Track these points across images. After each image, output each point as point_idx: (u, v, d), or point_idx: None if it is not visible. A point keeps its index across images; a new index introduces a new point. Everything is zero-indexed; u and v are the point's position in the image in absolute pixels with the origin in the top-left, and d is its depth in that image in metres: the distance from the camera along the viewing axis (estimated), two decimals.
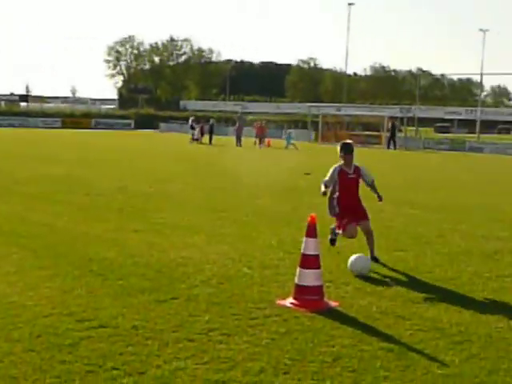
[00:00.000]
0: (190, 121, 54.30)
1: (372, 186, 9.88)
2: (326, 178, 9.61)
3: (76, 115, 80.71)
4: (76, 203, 14.69)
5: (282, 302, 7.31)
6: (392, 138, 54.70)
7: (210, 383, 5.08)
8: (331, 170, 9.64)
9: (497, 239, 12.02)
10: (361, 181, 9.76)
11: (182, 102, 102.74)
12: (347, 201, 9.59)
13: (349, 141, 9.98)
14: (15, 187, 17.30)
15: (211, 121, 54.52)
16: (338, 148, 9.65)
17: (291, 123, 75.08)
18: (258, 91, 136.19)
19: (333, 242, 10.06)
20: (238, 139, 49.19)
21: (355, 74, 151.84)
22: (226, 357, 5.61)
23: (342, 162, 9.59)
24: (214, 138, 51.38)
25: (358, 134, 62.10)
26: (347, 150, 9.58)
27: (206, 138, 50.72)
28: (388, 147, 53.53)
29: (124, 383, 5.02)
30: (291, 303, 7.26)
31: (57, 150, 34.84)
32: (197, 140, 50.39)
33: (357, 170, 9.64)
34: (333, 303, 7.36)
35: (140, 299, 7.23)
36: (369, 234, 9.62)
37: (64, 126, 73.18)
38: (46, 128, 68.92)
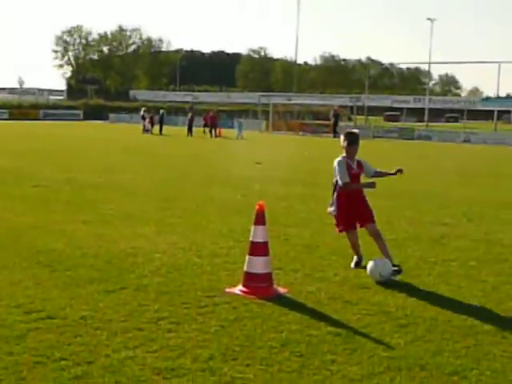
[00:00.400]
0: (141, 111, 53.93)
1: (377, 175, 8.90)
2: (340, 176, 8.43)
3: (24, 106, 79.51)
4: (23, 195, 14.49)
5: (232, 290, 7.35)
6: (334, 126, 55.41)
7: (159, 371, 5.09)
8: (339, 165, 8.48)
9: (443, 225, 12.26)
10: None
11: (131, 92, 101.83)
12: (349, 198, 8.56)
13: (355, 130, 8.97)
14: None
15: (161, 111, 54.25)
16: (341, 138, 8.60)
17: (242, 113, 75.16)
18: (208, 81, 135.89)
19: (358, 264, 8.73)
20: (189, 129, 49.06)
21: (305, 63, 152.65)
22: (175, 345, 5.63)
23: (345, 153, 8.53)
24: (165, 128, 51.17)
25: (308, 123, 62.60)
26: (351, 141, 8.50)
27: (156, 129, 50.47)
28: (334, 136, 54.13)
29: (72, 373, 5.00)
30: (240, 291, 7.31)
31: (4, 141, 34.25)
32: (148, 131, 50.13)
33: (359, 164, 8.65)
34: (282, 290, 7.42)
35: (88, 290, 7.19)
36: (377, 237, 8.49)
37: (11, 117, 71.99)
38: None
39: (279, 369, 5.21)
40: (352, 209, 8.57)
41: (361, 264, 8.62)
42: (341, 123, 58.11)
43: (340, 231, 8.79)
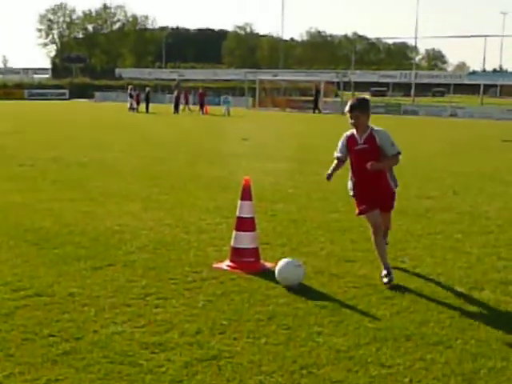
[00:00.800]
0: (128, 89, 53.58)
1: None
2: (336, 153, 7.16)
3: (8, 86, 78.80)
4: (10, 174, 14.43)
5: (219, 265, 7.38)
6: (315, 102, 55.88)
7: (146, 346, 5.12)
8: (340, 140, 7.15)
9: (428, 198, 12.33)
10: None
11: (117, 71, 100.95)
12: (359, 180, 7.06)
13: (365, 96, 7.44)
14: None
15: (147, 89, 53.96)
16: None
17: (229, 90, 74.85)
18: (194, 58, 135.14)
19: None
20: (176, 107, 48.94)
21: (292, 39, 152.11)
22: (162, 320, 5.66)
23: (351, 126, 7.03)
24: (151, 106, 50.95)
25: (295, 100, 62.52)
26: (350, 107, 6.88)
27: (142, 107, 50.24)
28: (319, 111, 54.85)
29: (61, 349, 5.02)
30: (228, 266, 7.34)
31: None
32: (134, 109, 49.88)
33: (370, 137, 6.94)
34: (269, 264, 7.45)
35: (76, 267, 7.21)
36: (384, 234, 7.38)
37: None
38: None
39: (266, 341, 5.26)
40: (365, 192, 7.09)
41: (392, 278, 6.84)
42: (327, 99, 58.29)
43: (360, 212, 7.17)
